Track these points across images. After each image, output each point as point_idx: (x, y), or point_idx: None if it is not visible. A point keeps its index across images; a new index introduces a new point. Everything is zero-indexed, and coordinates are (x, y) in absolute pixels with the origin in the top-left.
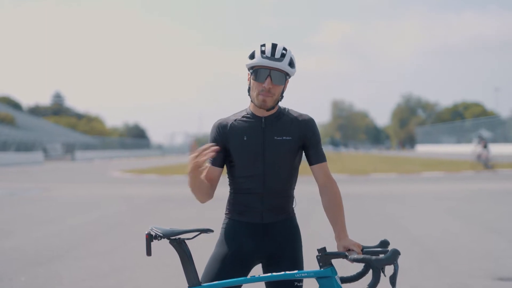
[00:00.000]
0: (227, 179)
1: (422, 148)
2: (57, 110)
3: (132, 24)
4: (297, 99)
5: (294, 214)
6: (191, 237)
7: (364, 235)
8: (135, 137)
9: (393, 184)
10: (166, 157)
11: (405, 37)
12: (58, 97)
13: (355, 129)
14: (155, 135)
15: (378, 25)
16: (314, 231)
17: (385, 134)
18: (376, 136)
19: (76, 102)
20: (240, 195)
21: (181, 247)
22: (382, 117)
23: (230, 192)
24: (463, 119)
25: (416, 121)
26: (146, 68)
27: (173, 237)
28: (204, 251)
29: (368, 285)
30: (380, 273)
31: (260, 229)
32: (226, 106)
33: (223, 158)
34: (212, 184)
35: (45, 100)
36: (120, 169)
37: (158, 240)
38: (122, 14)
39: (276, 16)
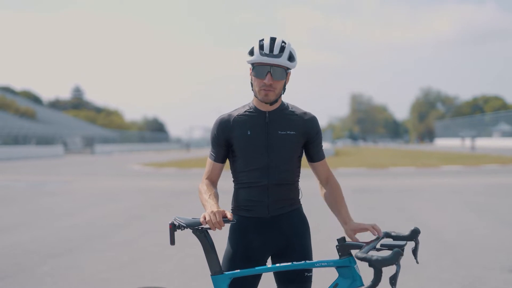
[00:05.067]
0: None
1: (441, 142)
2: (77, 104)
3: (151, 20)
4: (316, 93)
5: (300, 205)
6: None
7: (381, 228)
8: (154, 131)
9: (412, 178)
10: (185, 151)
11: (427, 28)
12: (77, 91)
13: (374, 122)
14: (174, 129)
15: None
16: (316, 224)
17: (404, 128)
18: (395, 130)
19: (95, 96)
20: (244, 189)
21: (204, 237)
22: (401, 111)
23: (235, 188)
24: (483, 112)
25: (435, 115)
26: (164, 63)
27: (196, 227)
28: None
29: (370, 283)
30: (380, 273)
31: (268, 223)
32: (243, 100)
33: (225, 154)
34: (215, 181)
35: (65, 94)
36: (140, 162)
37: (182, 230)
38: (142, 10)
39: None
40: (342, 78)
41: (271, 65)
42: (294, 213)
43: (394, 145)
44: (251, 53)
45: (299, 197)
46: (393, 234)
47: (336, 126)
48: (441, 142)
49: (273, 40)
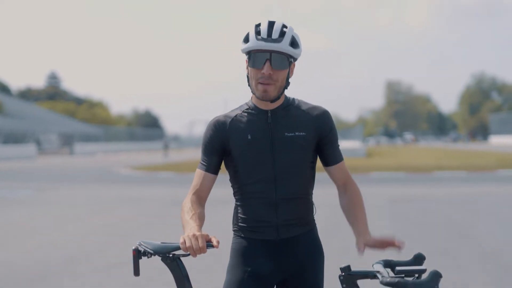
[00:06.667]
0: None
1: (497, 140)
2: (53, 94)
3: (146, 1)
4: (344, 80)
5: (315, 224)
6: (187, 253)
7: (426, 247)
8: (147, 127)
9: (462, 185)
10: (184, 150)
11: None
12: (53, 78)
13: (414, 116)
14: (171, 124)
15: None
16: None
17: (452, 123)
18: (441, 125)
19: (75, 84)
20: (248, 206)
21: (176, 265)
22: (447, 102)
23: (237, 204)
24: None
25: (490, 107)
26: (160, 48)
27: (166, 254)
28: (203, 269)
29: None
30: None
31: (278, 246)
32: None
33: (219, 164)
34: (204, 197)
35: (38, 82)
36: (129, 165)
37: (148, 257)
38: None
39: None
40: (375, 63)
41: (270, 51)
42: (307, 235)
43: (440, 144)
44: (246, 39)
45: (313, 214)
46: (393, 260)
47: (369, 120)
48: (498, 140)
49: (271, 23)
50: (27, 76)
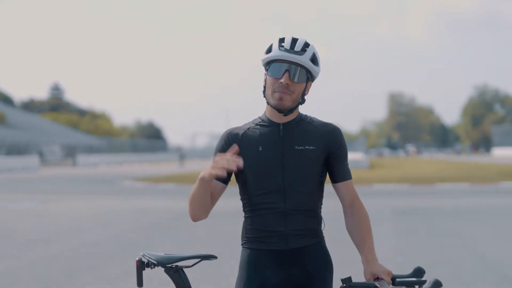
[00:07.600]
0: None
1: (500, 152)
2: (56, 106)
3: (148, 9)
4: (347, 92)
5: (323, 237)
6: (190, 265)
7: (429, 258)
8: (149, 138)
9: (465, 197)
10: (187, 162)
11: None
12: (56, 89)
13: (417, 128)
14: (173, 136)
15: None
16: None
17: (455, 135)
18: (443, 137)
19: (78, 96)
20: (258, 217)
21: (178, 276)
22: (450, 114)
23: (246, 216)
24: None
25: (492, 119)
26: (160, 50)
27: (169, 265)
28: (206, 280)
29: None
30: None
31: (287, 257)
32: (256, 101)
33: (229, 174)
34: (212, 201)
35: (41, 93)
36: (132, 177)
37: (151, 268)
38: (135, 5)
39: None
40: (376, 74)
41: (291, 62)
42: (316, 247)
43: (442, 156)
44: (269, 50)
45: (322, 228)
46: (394, 274)
47: (371, 132)
48: (500, 152)
49: (295, 39)
50: (30, 87)
